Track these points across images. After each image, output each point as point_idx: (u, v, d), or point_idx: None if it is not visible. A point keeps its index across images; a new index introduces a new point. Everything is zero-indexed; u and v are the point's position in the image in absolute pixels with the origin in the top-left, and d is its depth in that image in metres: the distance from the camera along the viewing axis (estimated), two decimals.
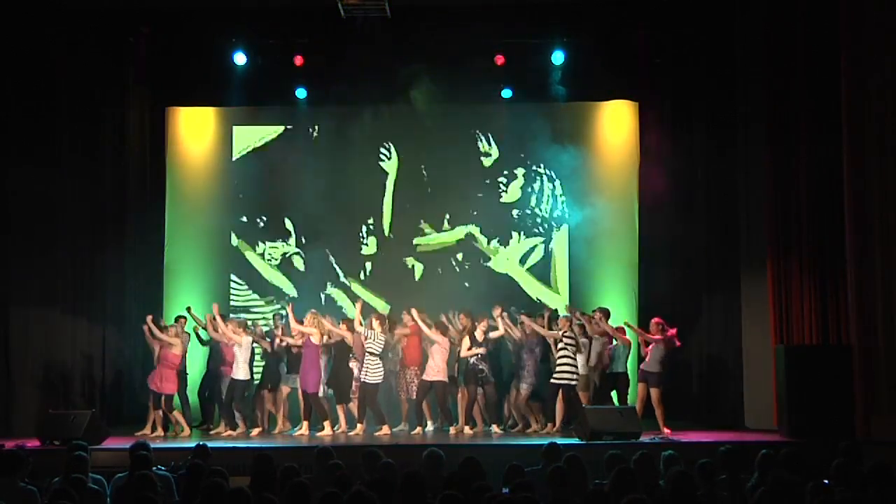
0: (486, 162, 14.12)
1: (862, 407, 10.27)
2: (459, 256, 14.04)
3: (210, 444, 8.09)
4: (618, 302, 13.50)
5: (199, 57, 13.42)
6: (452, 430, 11.59)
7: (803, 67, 11.26)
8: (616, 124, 14.22)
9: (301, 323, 11.78)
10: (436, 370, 11.55)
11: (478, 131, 14.07)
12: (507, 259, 14.02)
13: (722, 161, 12.66)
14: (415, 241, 14.02)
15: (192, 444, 8.22)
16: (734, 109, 12.53)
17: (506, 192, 14.10)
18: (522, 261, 14.05)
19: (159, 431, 11.65)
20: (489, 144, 14.08)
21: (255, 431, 11.71)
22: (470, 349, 11.59)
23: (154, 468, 7.11)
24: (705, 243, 12.87)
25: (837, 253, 10.79)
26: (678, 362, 13.05)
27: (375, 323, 11.64)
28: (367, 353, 11.58)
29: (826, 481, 6.27)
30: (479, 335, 11.65)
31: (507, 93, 13.78)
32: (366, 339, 11.59)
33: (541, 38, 13.32)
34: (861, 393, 10.30)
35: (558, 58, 13.38)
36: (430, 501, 5.92)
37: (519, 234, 14.07)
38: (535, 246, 14.05)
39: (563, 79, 13.51)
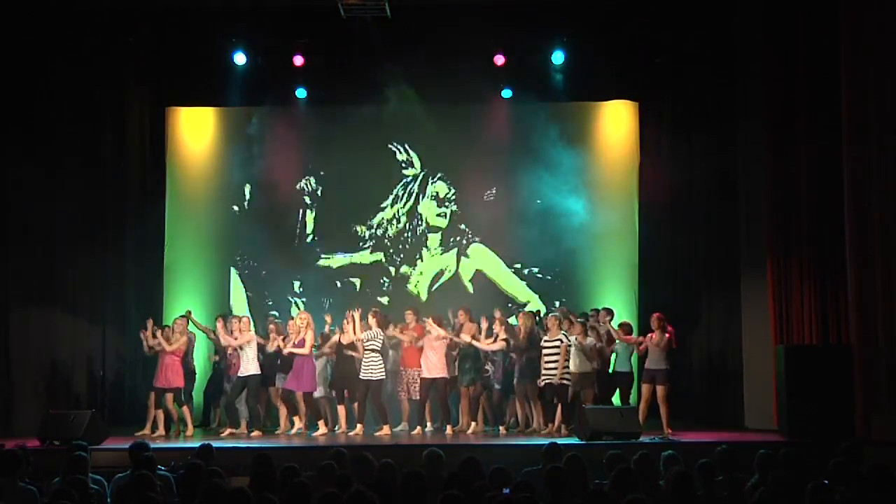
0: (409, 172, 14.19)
1: (862, 407, 10.26)
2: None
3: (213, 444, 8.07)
4: (618, 302, 13.50)
5: (199, 57, 13.40)
6: (449, 430, 11.59)
7: (803, 67, 11.26)
8: (616, 124, 14.22)
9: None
10: (437, 367, 11.57)
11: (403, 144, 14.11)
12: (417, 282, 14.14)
13: (722, 161, 12.66)
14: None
15: (193, 444, 8.20)
16: (734, 109, 12.54)
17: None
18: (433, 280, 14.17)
19: (160, 431, 11.61)
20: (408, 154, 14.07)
21: (256, 433, 11.68)
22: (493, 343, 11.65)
23: (154, 468, 7.10)
24: (705, 243, 12.87)
25: (837, 253, 10.79)
26: (679, 362, 13.07)
27: (372, 320, 11.65)
28: (366, 351, 11.60)
29: (826, 481, 6.27)
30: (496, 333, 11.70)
31: (507, 93, 13.78)
32: (365, 338, 11.61)
33: (541, 37, 13.31)
34: (861, 393, 10.30)
35: (558, 58, 13.37)
36: (430, 501, 5.91)
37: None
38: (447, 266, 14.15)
39: (563, 79, 13.52)
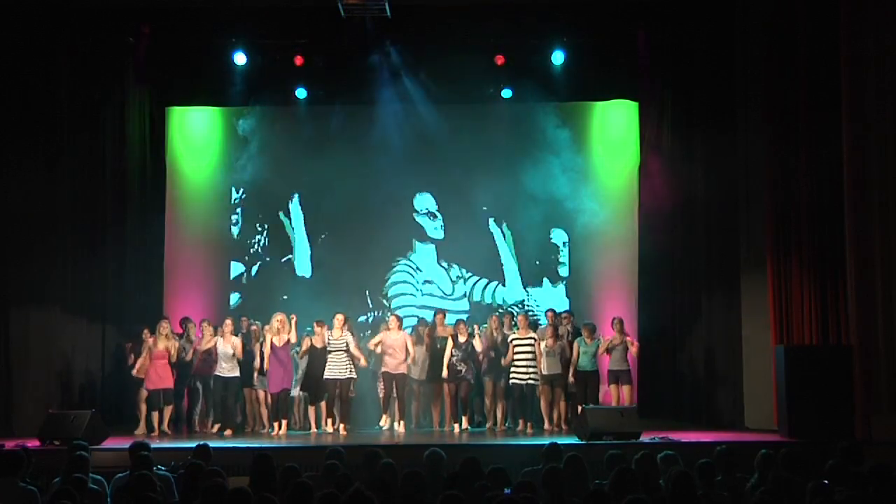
0: None
1: (862, 407, 10.26)
2: None
3: (210, 444, 8.07)
4: (618, 302, 13.51)
5: (199, 57, 13.42)
6: (395, 427, 11.89)
7: (804, 67, 11.26)
8: (616, 124, 14.22)
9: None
10: (396, 363, 11.86)
11: None
12: None
13: (722, 161, 12.64)
14: None
15: (193, 444, 8.20)
16: (734, 109, 12.53)
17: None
18: None
19: (156, 431, 11.77)
20: None
21: (228, 432, 11.91)
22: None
23: (154, 468, 7.11)
24: (705, 243, 12.85)
25: (837, 253, 10.79)
26: (679, 362, 13.08)
27: (336, 322, 11.90)
28: (330, 352, 11.86)
29: (826, 481, 6.27)
30: (461, 338, 12.01)
31: (507, 93, 13.79)
32: (328, 338, 11.91)
33: (541, 38, 13.32)
34: (861, 393, 10.30)
35: (558, 58, 13.38)
36: (430, 501, 5.92)
37: None
38: None
39: (563, 79, 13.52)
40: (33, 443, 9.98)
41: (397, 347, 11.89)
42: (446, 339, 12.05)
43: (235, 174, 14.24)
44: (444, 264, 14.23)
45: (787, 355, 10.90)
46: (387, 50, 13.13)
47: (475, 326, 12.39)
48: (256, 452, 7.10)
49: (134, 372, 12.00)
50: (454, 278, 14.21)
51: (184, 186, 14.26)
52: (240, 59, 13.35)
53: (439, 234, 14.24)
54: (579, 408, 11.57)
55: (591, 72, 13.60)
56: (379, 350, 12.02)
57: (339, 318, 11.94)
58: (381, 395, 12.22)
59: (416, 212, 14.22)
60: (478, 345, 11.98)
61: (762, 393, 11.72)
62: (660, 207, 13.34)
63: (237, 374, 11.98)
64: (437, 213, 14.23)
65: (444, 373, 11.90)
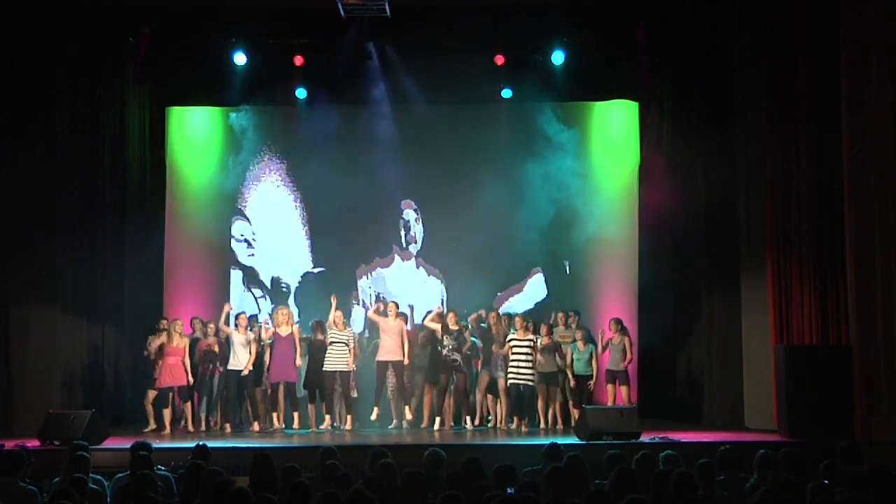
0: None
1: (862, 407, 10.27)
2: None
3: (210, 444, 8.08)
4: (618, 302, 13.51)
5: (199, 57, 13.40)
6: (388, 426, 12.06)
7: (804, 68, 11.27)
8: (616, 124, 14.21)
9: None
10: (393, 350, 11.93)
11: None
12: None
13: (722, 160, 12.64)
14: None
15: (192, 444, 8.20)
16: (734, 108, 12.52)
17: None
18: None
19: (167, 430, 11.86)
20: None
21: (256, 426, 12.04)
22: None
23: (154, 468, 7.11)
24: (705, 243, 12.85)
25: (837, 253, 10.80)
26: (679, 362, 13.09)
27: (336, 315, 12.07)
28: (331, 343, 12.00)
29: (826, 481, 6.27)
30: (452, 327, 12.05)
31: (507, 93, 13.78)
32: (330, 331, 12.06)
33: (541, 37, 13.31)
34: (861, 393, 10.31)
35: (558, 58, 13.37)
36: (430, 501, 5.92)
37: None
38: None
39: (563, 79, 13.52)
40: (33, 443, 9.98)
41: (393, 333, 11.95)
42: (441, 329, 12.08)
43: (234, 174, 14.23)
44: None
45: (787, 355, 10.91)
46: (386, 50, 13.13)
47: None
48: (256, 452, 7.10)
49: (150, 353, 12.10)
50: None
51: (184, 186, 14.24)
52: (240, 59, 13.34)
53: (246, 262, 14.23)
54: (578, 407, 11.61)
55: (591, 72, 13.59)
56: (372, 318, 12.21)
57: (339, 314, 12.11)
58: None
59: (234, 237, 14.22)
60: (465, 338, 12.02)
61: (762, 393, 11.71)
62: (660, 207, 13.33)
63: (252, 369, 11.98)
64: (251, 239, 14.25)
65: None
